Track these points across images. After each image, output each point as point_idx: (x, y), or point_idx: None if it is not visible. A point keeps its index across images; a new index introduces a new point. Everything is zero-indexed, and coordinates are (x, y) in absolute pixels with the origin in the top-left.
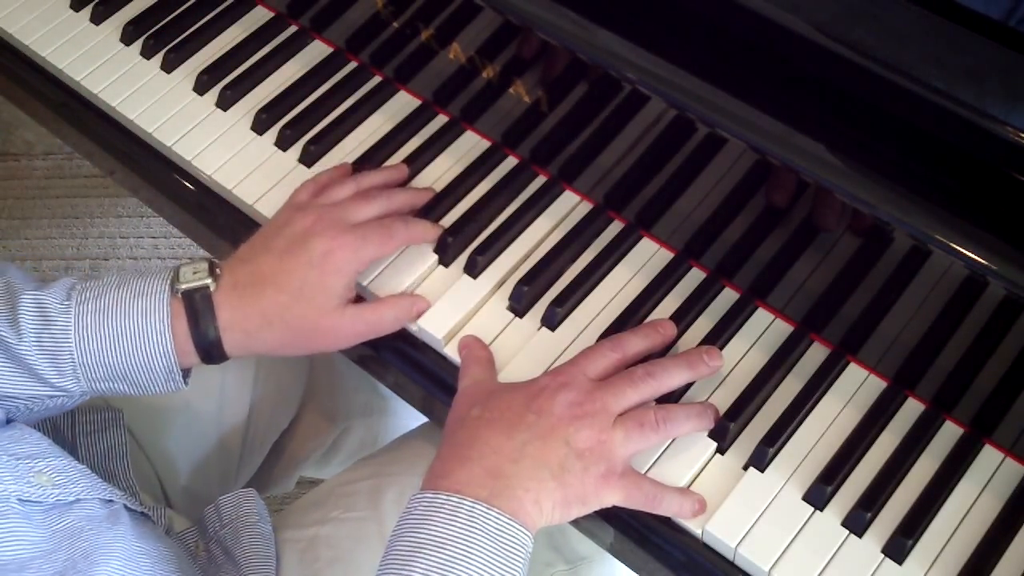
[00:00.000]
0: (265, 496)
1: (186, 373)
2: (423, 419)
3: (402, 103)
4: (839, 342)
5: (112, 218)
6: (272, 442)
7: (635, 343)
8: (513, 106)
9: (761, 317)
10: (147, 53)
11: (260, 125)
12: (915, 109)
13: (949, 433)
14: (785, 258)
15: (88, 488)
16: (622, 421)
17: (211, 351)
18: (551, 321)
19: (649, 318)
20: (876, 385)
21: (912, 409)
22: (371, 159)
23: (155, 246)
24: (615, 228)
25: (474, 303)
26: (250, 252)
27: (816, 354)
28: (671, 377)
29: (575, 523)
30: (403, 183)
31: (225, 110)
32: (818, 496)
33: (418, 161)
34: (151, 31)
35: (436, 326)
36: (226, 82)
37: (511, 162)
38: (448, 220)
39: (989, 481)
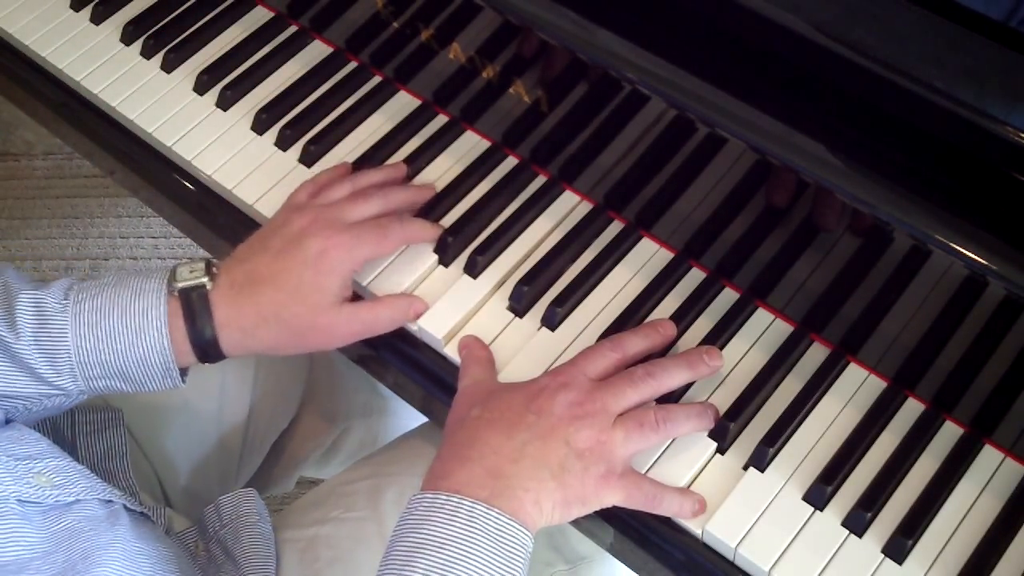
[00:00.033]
0: (265, 496)
1: (184, 371)
2: (423, 419)
3: (402, 103)
4: (839, 342)
5: (112, 218)
6: (272, 442)
7: (635, 343)
8: (513, 106)
9: (761, 317)
10: (147, 53)
11: (260, 125)
12: (915, 109)
13: (949, 433)
14: (785, 258)
15: (87, 488)
16: (622, 421)
17: (208, 349)
18: (551, 321)
19: (649, 318)
20: (876, 385)
21: (912, 409)
22: (371, 159)
23: (155, 246)
24: (615, 228)
25: (474, 303)
26: (247, 252)
27: (816, 354)
28: (671, 377)
29: (575, 523)
30: (402, 181)
31: (225, 110)
32: (818, 496)
33: (418, 161)
34: (151, 31)
35: (436, 326)
36: (226, 82)
37: (511, 162)
38: (448, 220)
39: (989, 481)
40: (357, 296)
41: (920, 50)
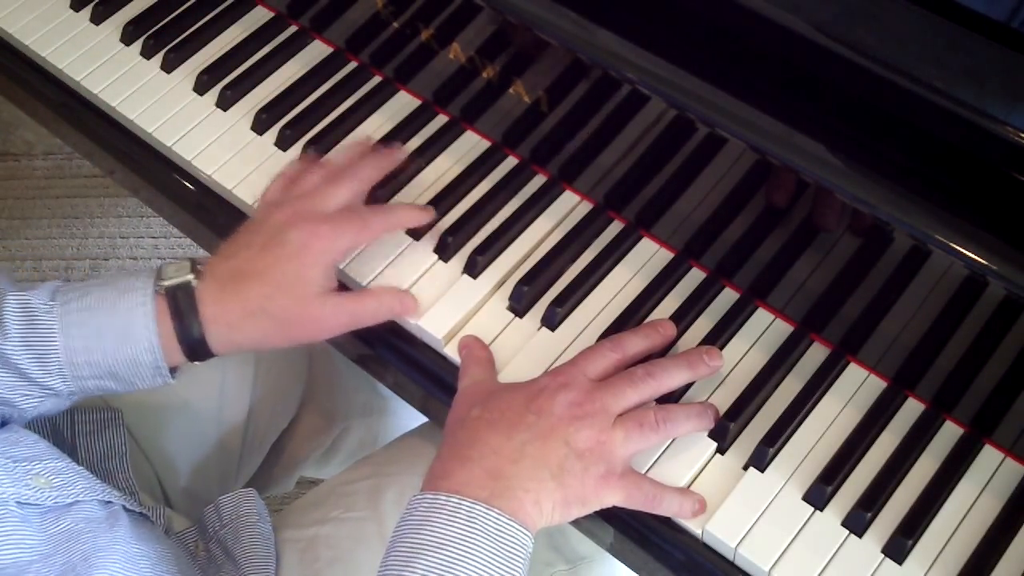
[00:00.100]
0: (265, 496)
1: (173, 370)
2: (423, 419)
3: (402, 103)
4: (839, 342)
5: (112, 218)
6: (272, 442)
7: (635, 343)
8: (513, 106)
9: (761, 317)
10: (147, 53)
11: (260, 125)
12: (915, 109)
13: (949, 433)
14: (785, 258)
15: (86, 489)
16: (622, 421)
17: (196, 347)
18: (551, 321)
19: (649, 318)
20: (876, 385)
21: (912, 409)
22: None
23: (155, 246)
24: (615, 228)
25: (474, 303)
26: (230, 249)
27: (816, 354)
28: (671, 377)
29: (575, 523)
30: (368, 151)
31: (225, 110)
32: (818, 496)
33: (418, 161)
34: (151, 31)
35: (436, 326)
36: (226, 82)
37: (511, 162)
38: (448, 220)
39: (989, 481)
40: (347, 290)
41: (920, 50)
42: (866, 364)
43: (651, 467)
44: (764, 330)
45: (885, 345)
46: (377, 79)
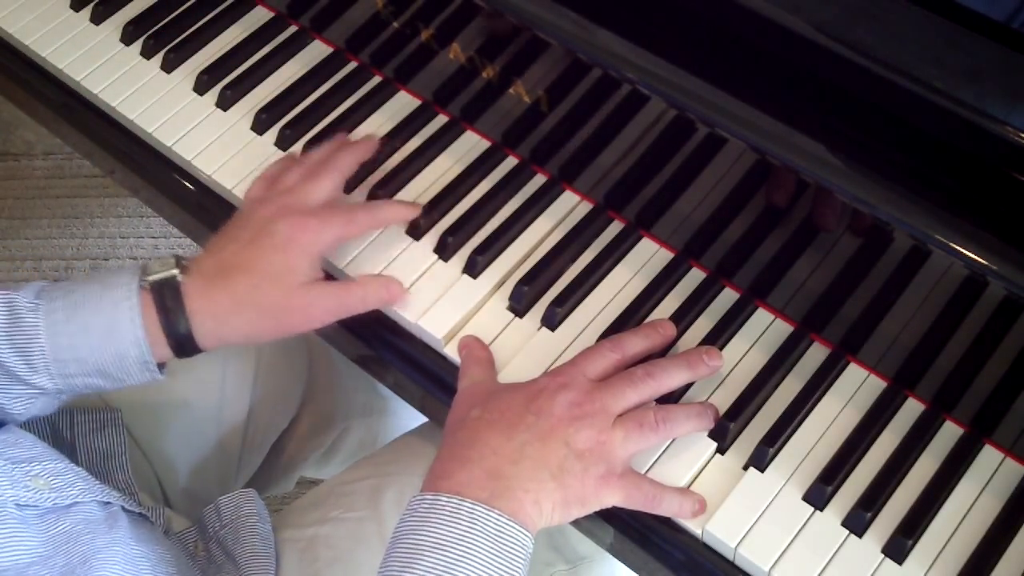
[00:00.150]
0: (265, 496)
1: (161, 366)
2: (423, 419)
3: (402, 103)
4: (839, 342)
5: (112, 218)
6: (272, 442)
7: (635, 343)
8: (513, 106)
9: (761, 317)
10: (147, 53)
11: (260, 125)
12: (915, 109)
13: (949, 433)
14: (785, 258)
15: (85, 490)
16: (622, 422)
17: (183, 342)
18: (551, 321)
19: (649, 318)
20: (876, 385)
21: (912, 409)
22: (372, 159)
23: (155, 246)
24: (615, 228)
25: (474, 303)
26: (216, 245)
27: (816, 354)
28: (671, 377)
29: (575, 523)
30: (346, 143)
31: (225, 110)
32: (818, 496)
33: (418, 161)
34: (151, 31)
35: (436, 326)
36: (226, 82)
37: (511, 162)
38: (448, 220)
39: (989, 481)
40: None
41: (920, 50)
42: (866, 364)
43: (651, 467)
44: (764, 330)
45: (885, 345)
46: (377, 79)
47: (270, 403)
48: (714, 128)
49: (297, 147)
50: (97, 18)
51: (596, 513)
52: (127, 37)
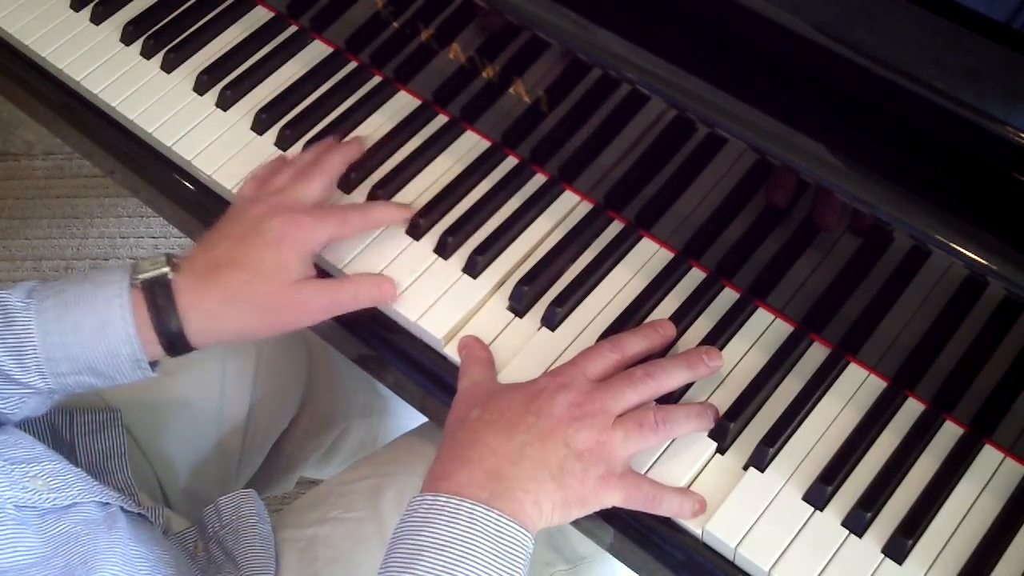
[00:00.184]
0: (265, 496)
1: (153, 364)
2: (423, 419)
3: (402, 103)
4: (839, 342)
5: (112, 218)
6: (272, 442)
7: (635, 343)
8: (513, 106)
9: (761, 317)
10: (147, 53)
11: (260, 125)
12: (915, 109)
13: (949, 433)
14: (785, 258)
15: (84, 491)
16: (621, 422)
17: (174, 339)
18: (551, 321)
19: (649, 318)
20: (876, 385)
21: (912, 409)
22: (371, 159)
23: (155, 246)
24: (615, 228)
25: (474, 303)
26: (208, 243)
27: (816, 354)
28: (671, 378)
29: (575, 523)
30: (336, 146)
31: (225, 110)
32: (818, 496)
33: (418, 161)
34: (151, 31)
35: (436, 326)
36: (226, 82)
37: (511, 162)
38: (448, 220)
39: (989, 481)
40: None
41: (920, 50)
42: (866, 364)
43: (651, 467)
44: (764, 330)
45: (885, 345)
46: (377, 79)
47: (270, 403)
48: (714, 128)
49: (297, 147)
50: (97, 18)
51: (596, 513)
52: (127, 37)
